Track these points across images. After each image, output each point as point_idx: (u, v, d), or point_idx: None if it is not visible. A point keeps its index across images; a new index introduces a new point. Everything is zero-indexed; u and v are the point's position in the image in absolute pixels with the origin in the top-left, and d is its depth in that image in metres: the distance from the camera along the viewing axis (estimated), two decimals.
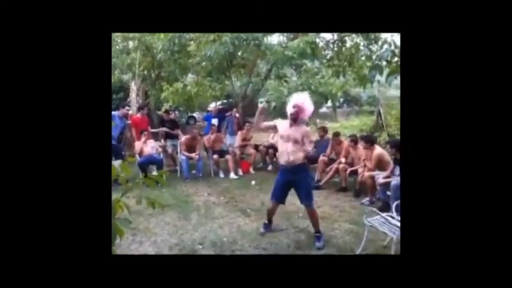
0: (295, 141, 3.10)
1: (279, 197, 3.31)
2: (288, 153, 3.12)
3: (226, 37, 5.63)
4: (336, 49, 6.96)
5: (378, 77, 5.68)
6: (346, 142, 5.44)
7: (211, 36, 5.75)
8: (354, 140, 5.12)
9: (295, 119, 3.09)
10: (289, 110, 3.10)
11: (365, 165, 4.69)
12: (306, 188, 3.24)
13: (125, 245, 3.13)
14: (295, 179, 3.19)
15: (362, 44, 6.52)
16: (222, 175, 5.87)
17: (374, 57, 5.70)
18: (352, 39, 6.86)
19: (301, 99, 3.09)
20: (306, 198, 3.22)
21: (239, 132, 6.45)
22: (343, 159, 5.15)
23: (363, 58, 6.87)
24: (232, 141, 6.51)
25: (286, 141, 3.13)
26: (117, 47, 9.17)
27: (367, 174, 4.47)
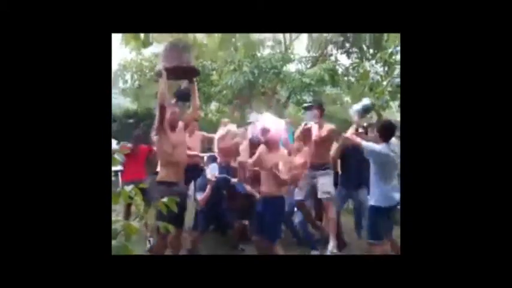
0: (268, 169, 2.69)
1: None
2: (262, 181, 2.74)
3: (246, 67, 5.85)
4: (356, 75, 7.02)
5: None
6: None
7: (232, 66, 6.00)
8: None
9: (266, 144, 2.71)
10: (260, 134, 2.72)
11: None
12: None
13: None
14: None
15: (382, 70, 6.54)
16: None
17: (385, 83, 5.67)
18: (372, 65, 6.90)
19: (269, 122, 2.73)
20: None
21: None
22: None
23: (384, 83, 6.86)
24: None
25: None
26: (146, 77, 9.72)
27: None
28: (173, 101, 3.03)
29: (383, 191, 2.52)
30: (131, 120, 9.78)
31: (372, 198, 2.60)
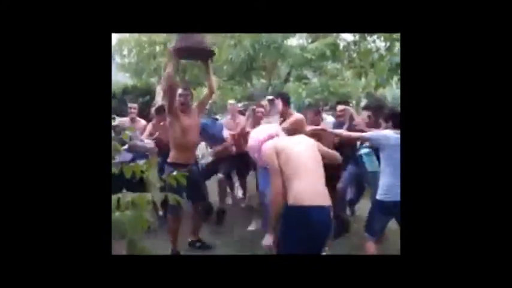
0: None
1: None
2: None
3: (247, 41, 5.77)
4: (357, 50, 6.92)
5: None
6: None
7: (232, 41, 5.92)
8: None
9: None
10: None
11: None
12: None
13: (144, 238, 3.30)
14: None
15: (383, 45, 6.45)
16: None
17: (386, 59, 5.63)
18: (374, 41, 6.79)
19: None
20: None
21: None
22: None
23: (387, 58, 6.78)
24: None
25: None
26: (145, 52, 9.59)
27: None
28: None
29: (390, 184, 2.37)
30: (130, 96, 9.75)
31: (379, 192, 2.47)
